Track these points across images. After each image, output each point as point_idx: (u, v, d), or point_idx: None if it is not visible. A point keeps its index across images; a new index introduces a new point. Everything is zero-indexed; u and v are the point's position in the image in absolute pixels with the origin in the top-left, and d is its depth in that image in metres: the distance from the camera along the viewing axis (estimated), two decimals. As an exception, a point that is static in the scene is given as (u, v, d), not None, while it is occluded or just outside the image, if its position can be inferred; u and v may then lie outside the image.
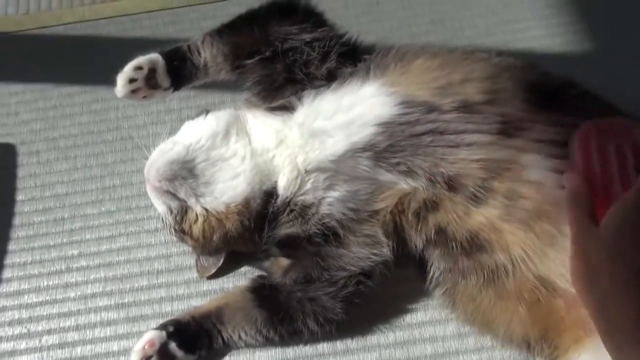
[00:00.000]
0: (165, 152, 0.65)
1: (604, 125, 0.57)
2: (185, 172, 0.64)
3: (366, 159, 0.62)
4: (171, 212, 0.66)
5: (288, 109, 0.66)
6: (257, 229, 0.66)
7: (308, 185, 0.64)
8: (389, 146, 0.61)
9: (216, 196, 0.64)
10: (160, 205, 0.67)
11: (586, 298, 0.52)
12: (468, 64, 0.65)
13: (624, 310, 0.48)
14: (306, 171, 0.64)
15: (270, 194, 0.65)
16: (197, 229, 0.65)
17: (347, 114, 0.63)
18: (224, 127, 0.66)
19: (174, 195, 0.65)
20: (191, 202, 0.65)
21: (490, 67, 0.66)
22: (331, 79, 0.66)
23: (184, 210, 0.65)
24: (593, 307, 0.51)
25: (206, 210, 0.65)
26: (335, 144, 0.63)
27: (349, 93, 0.64)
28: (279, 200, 0.65)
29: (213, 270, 0.73)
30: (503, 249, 0.59)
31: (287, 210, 0.65)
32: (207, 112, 0.70)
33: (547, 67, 0.69)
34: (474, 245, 0.60)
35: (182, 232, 0.66)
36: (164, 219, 0.67)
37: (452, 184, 0.60)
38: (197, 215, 0.65)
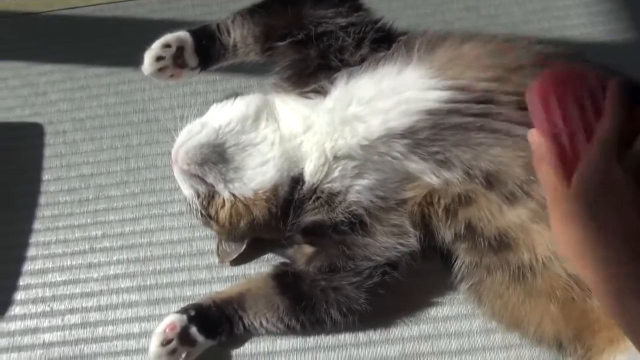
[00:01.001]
0: (193, 135, 0.64)
1: (560, 75, 0.53)
2: (215, 156, 0.63)
3: (401, 146, 0.59)
4: (198, 196, 0.65)
5: (319, 93, 0.63)
6: (282, 216, 0.64)
7: (336, 173, 0.62)
8: (430, 134, 0.58)
9: (245, 182, 0.63)
10: (187, 189, 0.66)
11: (577, 263, 0.49)
12: (516, 53, 0.61)
13: (614, 263, 0.46)
14: (334, 158, 0.62)
15: (296, 181, 0.64)
16: (223, 215, 0.64)
17: (387, 99, 0.60)
18: (254, 111, 0.65)
19: (202, 180, 0.64)
20: (219, 187, 0.64)
21: (534, 55, 0.62)
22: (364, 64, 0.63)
23: (211, 194, 0.64)
24: (585, 269, 0.48)
25: (234, 196, 0.64)
26: (369, 130, 0.60)
27: (389, 77, 0.61)
28: (305, 187, 0.63)
29: (234, 256, 0.72)
30: (528, 248, 0.57)
31: (314, 197, 0.63)
32: (235, 95, 0.68)
33: (587, 57, 0.65)
34: (501, 243, 0.58)
35: (208, 217, 0.65)
36: (190, 203, 0.66)
37: (490, 180, 0.57)
38: (224, 200, 0.64)
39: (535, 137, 0.51)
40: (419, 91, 0.59)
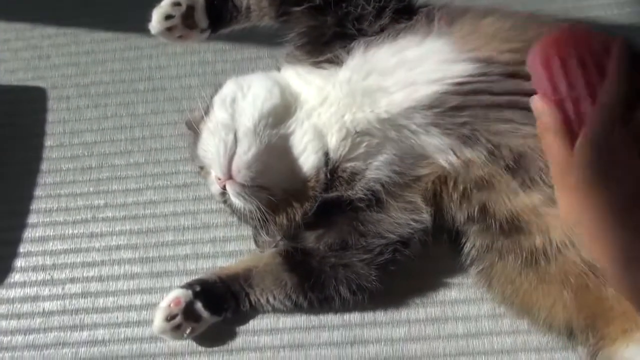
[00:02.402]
0: (229, 143, 0.59)
1: (562, 37, 0.51)
2: (272, 159, 0.59)
3: (424, 118, 0.57)
4: (261, 203, 0.60)
5: (334, 64, 0.61)
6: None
7: (361, 149, 0.60)
8: (457, 105, 0.56)
9: (295, 175, 0.61)
10: (249, 202, 0.60)
11: (585, 235, 0.48)
12: (538, 28, 0.59)
13: (618, 235, 0.46)
14: (356, 132, 0.59)
15: (327, 155, 0.61)
16: (282, 215, 0.62)
17: (412, 70, 0.57)
18: (279, 96, 0.61)
19: (263, 187, 0.60)
20: (277, 190, 0.61)
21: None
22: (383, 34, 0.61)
23: (275, 198, 0.61)
24: (593, 240, 0.47)
25: (288, 192, 0.61)
26: (392, 101, 0.58)
27: (411, 48, 0.58)
28: (329, 164, 0.61)
29: (275, 243, 0.68)
30: (542, 232, 0.56)
31: (335, 176, 0.61)
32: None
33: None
34: (512, 226, 0.57)
35: (272, 222, 0.62)
36: (257, 215, 0.60)
37: (514, 162, 0.55)
38: (283, 200, 0.61)
39: (538, 104, 0.50)
40: (443, 63, 0.57)
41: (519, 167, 0.55)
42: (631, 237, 0.45)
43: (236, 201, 0.61)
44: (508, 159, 0.55)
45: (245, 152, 0.58)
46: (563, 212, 0.50)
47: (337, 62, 0.61)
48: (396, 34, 0.60)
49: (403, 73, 0.58)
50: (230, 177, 0.59)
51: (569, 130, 0.48)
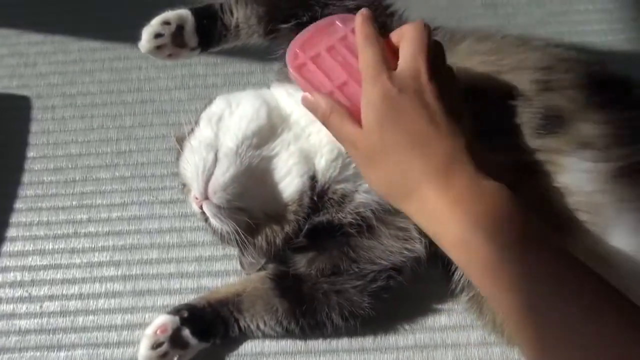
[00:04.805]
0: (209, 163, 0.57)
1: (304, 39, 0.53)
2: (251, 181, 0.57)
3: None
4: (239, 226, 0.58)
5: None
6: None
7: (350, 171, 0.59)
8: None
9: (277, 199, 0.59)
10: (226, 224, 0.58)
11: (398, 200, 0.50)
12: (522, 52, 0.60)
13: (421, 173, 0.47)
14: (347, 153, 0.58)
15: (313, 179, 0.59)
16: (261, 237, 0.60)
17: None
18: (266, 117, 0.60)
19: (241, 209, 0.58)
20: (257, 211, 0.59)
21: (546, 57, 0.60)
22: None
23: (252, 220, 0.59)
24: (404, 201, 0.49)
25: (268, 216, 0.59)
26: None
27: None
28: (317, 187, 0.59)
29: (260, 266, 0.67)
30: None
31: (325, 198, 0.60)
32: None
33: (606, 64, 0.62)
34: None
35: (250, 244, 0.60)
36: (229, 234, 0.58)
37: None
38: (262, 222, 0.60)
39: (308, 98, 0.51)
40: None
41: None
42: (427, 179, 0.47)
43: (213, 222, 0.59)
44: None
45: (223, 173, 0.56)
46: (372, 188, 0.53)
47: None
48: None
49: None
50: (206, 197, 0.57)
51: (351, 114, 0.50)
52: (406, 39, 0.49)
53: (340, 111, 0.50)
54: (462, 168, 0.46)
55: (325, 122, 0.51)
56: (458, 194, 0.45)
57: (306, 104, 0.52)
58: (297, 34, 0.58)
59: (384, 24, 0.60)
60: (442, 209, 0.45)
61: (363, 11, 0.51)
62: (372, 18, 0.51)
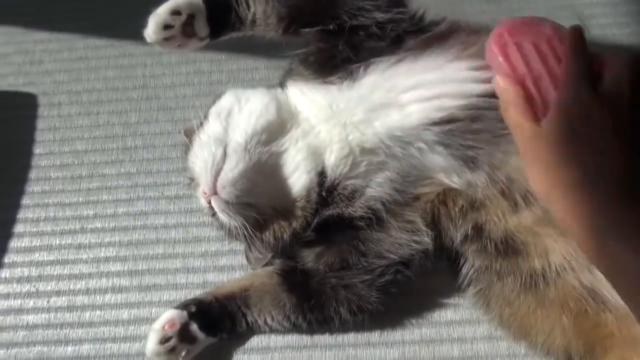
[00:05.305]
0: (217, 158, 0.57)
1: (514, 24, 0.53)
2: (260, 177, 0.57)
3: (435, 135, 0.56)
4: (248, 222, 0.58)
5: (346, 80, 0.58)
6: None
7: (361, 168, 0.58)
8: (466, 128, 0.55)
9: (285, 194, 0.59)
10: (234, 219, 0.58)
11: (557, 206, 0.48)
12: None
13: (586, 208, 0.46)
14: (361, 150, 0.58)
15: (322, 175, 0.59)
16: (268, 233, 0.60)
17: (430, 89, 0.56)
18: (275, 113, 0.59)
19: (250, 205, 0.58)
20: (265, 207, 0.59)
21: None
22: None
23: (261, 216, 0.59)
24: (565, 212, 0.47)
25: (276, 210, 0.59)
26: (405, 118, 0.56)
27: (430, 67, 0.57)
28: (327, 183, 0.59)
29: (266, 260, 0.66)
30: (540, 255, 0.55)
31: (335, 193, 0.59)
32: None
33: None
34: (509, 247, 0.56)
35: (259, 240, 0.60)
36: (243, 232, 0.58)
37: (509, 188, 0.55)
38: (270, 218, 0.60)
39: (500, 82, 0.51)
40: (461, 82, 0.56)
41: (511, 190, 0.55)
42: (605, 207, 0.45)
43: (221, 217, 0.59)
44: (502, 185, 0.55)
45: (232, 168, 0.56)
46: (533, 186, 0.51)
47: (349, 78, 0.58)
48: (415, 54, 0.58)
49: (421, 92, 0.56)
50: (215, 192, 0.57)
51: (533, 106, 0.49)
52: (617, 65, 0.49)
53: (520, 104, 0.49)
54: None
55: (504, 109, 0.51)
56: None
57: (496, 84, 0.51)
58: (320, 39, 0.58)
59: (411, 32, 0.59)
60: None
61: (577, 26, 0.51)
62: (584, 36, 0.51)
